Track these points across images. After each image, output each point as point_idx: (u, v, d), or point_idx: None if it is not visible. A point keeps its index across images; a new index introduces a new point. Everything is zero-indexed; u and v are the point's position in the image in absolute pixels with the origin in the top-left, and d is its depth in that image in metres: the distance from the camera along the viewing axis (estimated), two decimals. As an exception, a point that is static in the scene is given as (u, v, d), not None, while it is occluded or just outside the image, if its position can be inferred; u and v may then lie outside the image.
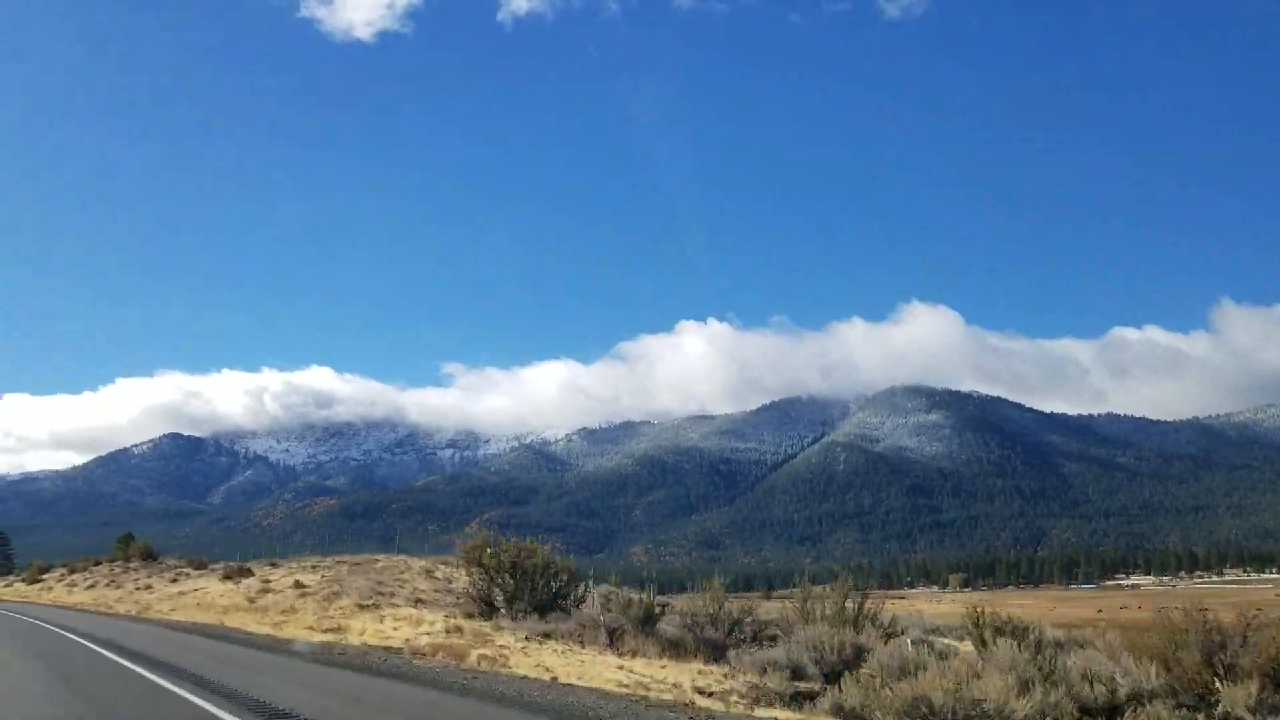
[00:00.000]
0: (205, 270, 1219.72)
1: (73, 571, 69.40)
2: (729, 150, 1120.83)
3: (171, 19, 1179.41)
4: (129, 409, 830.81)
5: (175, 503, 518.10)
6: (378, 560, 44.17)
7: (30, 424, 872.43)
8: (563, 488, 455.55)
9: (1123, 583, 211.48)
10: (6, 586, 77.09)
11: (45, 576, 72.40)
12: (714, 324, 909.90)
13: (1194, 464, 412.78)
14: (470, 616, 24.71)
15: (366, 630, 22.76)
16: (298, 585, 36.13)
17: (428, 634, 20.79)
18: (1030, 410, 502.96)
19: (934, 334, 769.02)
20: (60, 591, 60.94)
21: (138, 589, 50.58)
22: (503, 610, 25.08)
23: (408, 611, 26.62)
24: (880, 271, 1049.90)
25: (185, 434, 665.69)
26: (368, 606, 28.73)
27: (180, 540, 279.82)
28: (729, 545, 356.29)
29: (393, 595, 32.84)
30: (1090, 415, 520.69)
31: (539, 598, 24.73)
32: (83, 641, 22.40)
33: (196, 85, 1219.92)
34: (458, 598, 32.15)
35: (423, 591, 34.97)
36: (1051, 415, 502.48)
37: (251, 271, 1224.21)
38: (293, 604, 31.64)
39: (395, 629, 22.74)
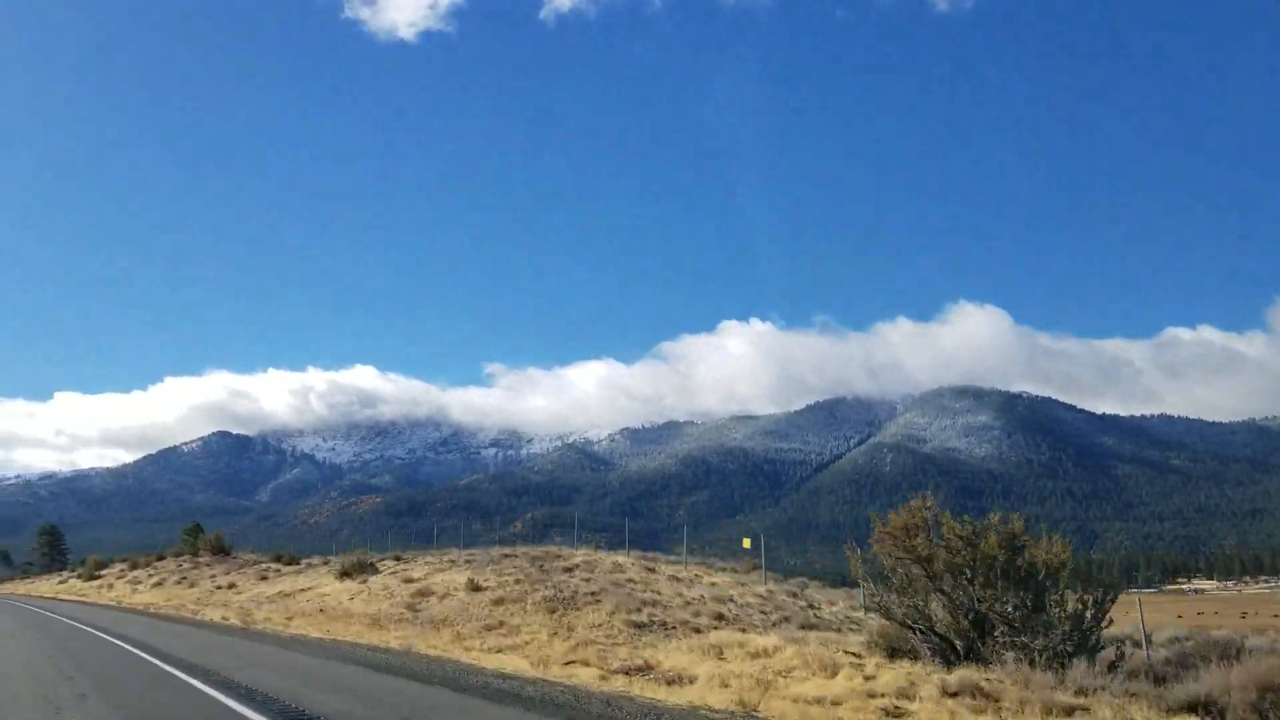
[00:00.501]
0: (251, 271, 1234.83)
1: (135, 567, 64.47)
2: (770, 148, 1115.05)
3: (216, 21, 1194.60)
4: (177, 407, 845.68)
5: (224, 500, 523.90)
6: (569, 555, 32.28)
7: (81, 422, 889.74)
8: (606, 487, 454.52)
9: (1184, 587, 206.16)
10: (61, 583, 72.17)
11: (104, 572, 68.39)
12: (756, 324, 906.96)
13: (1250, 466, 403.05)
14: (895, 655, 14.85)
15: (746, 679, 13.09)
16: (475, 587, 26.85)
17: (900, 698, 11.81)
18: (1082, 411, 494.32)
19: (982, 334, 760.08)
20: (123, 589, 55.50)
21: (218, 588, 45.14)
22: (955, 645, 14.34)
23: (762, 642, 16.59)
24: (926, 271, 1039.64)
25: (234, 432, 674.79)
26: (645, 625, 20.16)
27: (230, 537, 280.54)
28: (775, 547, 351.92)
29: (662, 606, 23.21)
30: (1144, 416, 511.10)
31: (1063, 633, 13.50)
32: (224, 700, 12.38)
33: (240, 87, 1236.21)
34: (768, 613, 23.37)
35: (697, 602, 24.65)
36: (1104, 416, 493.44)
37: (296, 272, 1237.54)
38: (496, 616, 22.74)
39: (785, 675, 13.54)
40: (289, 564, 49.08)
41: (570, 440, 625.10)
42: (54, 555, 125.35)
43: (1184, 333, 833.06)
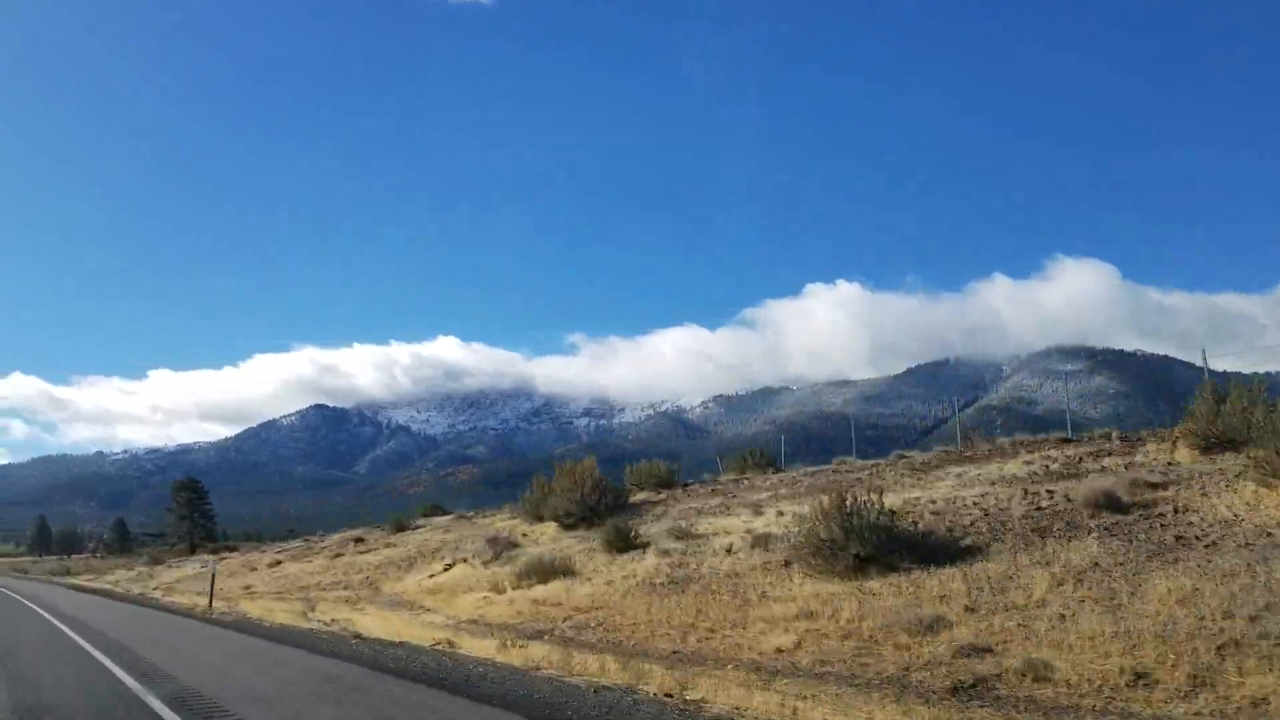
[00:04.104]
0: (330, 246, 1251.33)
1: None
2: (853, 102, 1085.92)
3: None
4: (268, 383, 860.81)
5: (324, 472, 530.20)
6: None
7: (176, 398, 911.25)
8: (703, 455, 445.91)
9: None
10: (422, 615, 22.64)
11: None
12: (843, 286, 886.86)
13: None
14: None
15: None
16: None
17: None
18: (1202, 369, 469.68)
19: (1087, 290, 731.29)
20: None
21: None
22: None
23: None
24: (1021, 226, 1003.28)
25: (331, 405, 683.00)
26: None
27: (333, 508, 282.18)
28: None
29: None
30: (1269, 374, 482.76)
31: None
32: None
33: (315, 59, 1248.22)
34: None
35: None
36: (1226, 374, 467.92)
37: (374, 245, 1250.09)
38: None
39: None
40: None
41: (662, 409, 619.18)
42: (195, 520, 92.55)
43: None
